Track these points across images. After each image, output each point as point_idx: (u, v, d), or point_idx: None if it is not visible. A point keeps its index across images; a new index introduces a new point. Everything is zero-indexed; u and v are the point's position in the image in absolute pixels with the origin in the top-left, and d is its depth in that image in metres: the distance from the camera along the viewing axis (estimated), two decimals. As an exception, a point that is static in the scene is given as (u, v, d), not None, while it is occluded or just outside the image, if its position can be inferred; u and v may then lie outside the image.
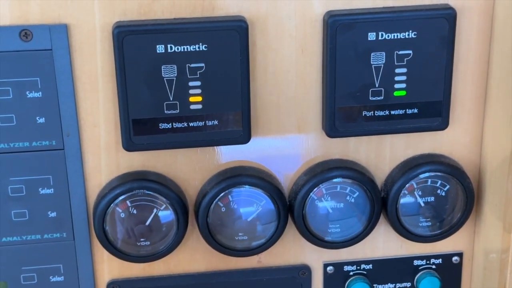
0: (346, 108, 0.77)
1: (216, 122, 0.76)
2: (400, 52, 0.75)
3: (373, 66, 0.75)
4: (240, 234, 0.81)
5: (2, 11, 0.71)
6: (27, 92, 0.73)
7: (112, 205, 0.77)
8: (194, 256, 0.83)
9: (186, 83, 0.74)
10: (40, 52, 0.72)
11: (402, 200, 0.81)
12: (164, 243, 0.80)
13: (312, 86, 0.78)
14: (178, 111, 0.75)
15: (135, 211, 0.78)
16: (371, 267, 0.86)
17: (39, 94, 0.73)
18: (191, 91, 0.74)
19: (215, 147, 0.79)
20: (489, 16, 0.77)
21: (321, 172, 0.80)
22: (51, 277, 0.81)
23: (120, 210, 0.78)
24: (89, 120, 0.76)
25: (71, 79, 0.74)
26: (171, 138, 0.76)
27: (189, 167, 0.80)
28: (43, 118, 0.74)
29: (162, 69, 0.73)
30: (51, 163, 0.76)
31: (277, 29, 0.75)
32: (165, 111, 0.74)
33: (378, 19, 0.73)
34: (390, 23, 0.74)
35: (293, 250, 0.85)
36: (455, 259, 0.87)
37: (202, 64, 0.73)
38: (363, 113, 0.77)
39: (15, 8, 0.71)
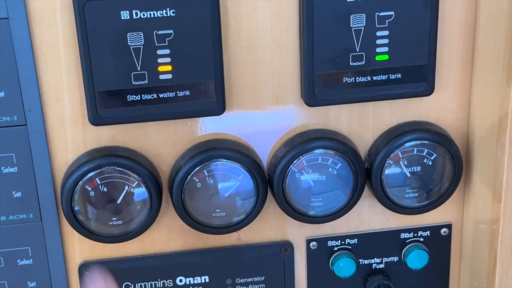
0: (326, 75, 0.73)
1: (187, 93, 0.72)
2: (382, 14, 0.71)
3: (353, 29, 0.72)
4: (217, 210, 0.78)
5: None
6: (-16, 65, 0.69)
7: (80, 183, 0.74)
8: (169, 234, 0.80)
9: (154, 52, 0.70)
10: (-5, 21, 0.68)
11: (387, 171, 0.78)
12: (137, 222, 0.76)
13: (289, 53, 0.74)
14: (146, 81, 0.71)
15: (105, 189, 0.75)
16: (356, 242, 0.84)
17: (-4, 67, 0.69)
18: (160, 60, 0.70)
19: (188, 119, 0.75)
20: (475, -27, 0.73)
21: (301, 143, 0.76)
22: (19, 260, 0.78)
23: (89, 188, 0.74)
24: (52, 94, 0.72)
25: (31, 50, 0.70)
26: (140, 110, 0.72)
27: (161, 141, 0.76)
28: (2, 92, 0.70)
29: (128, 37, 0.69)
30: (13, 140, 0.72)
31: (250, -8, 0.71)
32: (133, 82, 0.71)
33: (357, -21, 0.70)
34: (370, -18, 0.70)
35: (274, 226, 0.82)
36: (443, 231, 0.84)
37: (171, 31, 0.69)
38: (344, 80, 0.74)
39: (-34, -26, 0.67)
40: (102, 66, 0.69)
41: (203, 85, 0.72)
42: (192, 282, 0.82)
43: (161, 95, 0.72)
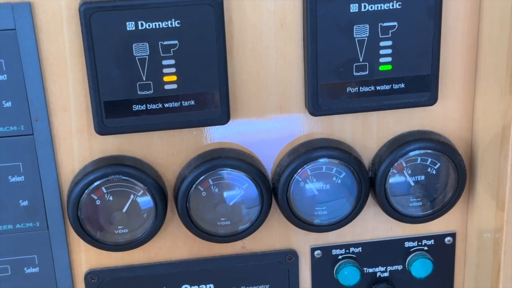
0: (330, 85, 0.74)
1: (192, 103, 0.72)
2: (385, 24, 0.72)
3: (356, 39, 0.72)
4: (222, 219, 0.78)
5: (-39, -10, 0.67)
6: (-9, 75, 0.70)
7: (86, 192, 0.74)
8: (175, 243, 0.81)
9: (159, 62, 0.70)
10: (2, 32, 0.68)
11: (391, 180, 0.78)
12: (143, 230, 0.77)
13: (293, 63, 0.75)
14: (152, 91, 0.71)
15: (111, 198, 0.75)
16: (360, 250, 0.84)
17: (4, 77, 0.70)
18: (165, 70, 0.71)
19: (193, 129, 0.76)
20: (478, -16, 0.74)
21: (305, 152, 0.77)
22: (25, 269, 0.78)
23: (95, 197, 0.75)
24: (58, 104, 0.73)
25: (38, 60, 0.70)
26: (146, 120, 0.72)
27: (167, 151, 0.76)
28: (10, 102, 0.71)
29: (134, 48, 0.69)
30: (21, 150, 0.73)
31: (255, 3, 0.72)
32: (138, 92, 0.71)
33: (360, -10, 0.70)
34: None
35: (278, 234, 0.82)
36: (448, 239, 0.84)
37: (176, 42, 0.70)
38: (348, 90, 0.74)
39: (-25, -14, 0.68)
40: (108, 76, 0.70)
41: (208, 95, 0.72)
42: (197, 290, 0.83)
43: (166, 105, 0.72)
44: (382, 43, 0.72)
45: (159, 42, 0.70)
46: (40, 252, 0.78)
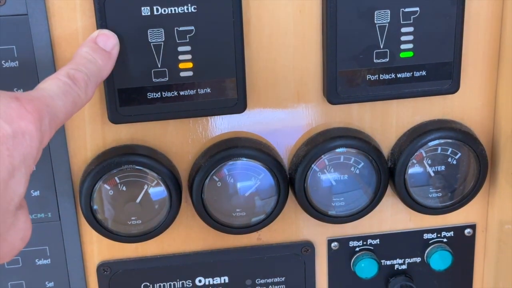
0: (349, 72, 0.72)
1: (208, 90, 0.71)
2: (407, 10, 0.70)
3: (377, 25, 0.70)
4: (237, 210, 0.76)
5: (-28, -26, 0.66)
6: (3, 62, 0.68)
7: (99, 182, 0.73)
8: (189, 234, 0.79)
9: (175, 49, 0.69)
10: (14, 17, 0.67)
11: (410, 170, 0.77)
12: (157, 221, 0.75)
13: (312, 50, 0.73)
14: (167, 79, 0.70)
15: (124, 188, 0.74)
16: (378, 242, 0.82)
17: (16, 64, 0.68)
18: (181, 57, 0.69)
19: (208, 117, 0.74)
20: (502, -32, 0.72)
21: (323, 141, 0.75)
22: (37, 260, 0.77)
23: (108, 187, 0.73)
24: (71, 91, 0.71)
25: (50, 46, 0.68)
26: (161, 108, 0.71)
27: (181, 140, 0.75)
28: (21, 89, 0.69)
29: (149, 34, 0.68)
30: (32, 138, 0.71)
31: (273, -12, 0.70)
32: (153, 79, 0.69)
33: (382, -26, 0.68)
34: (395, -23, 0.69)
35: (295, 226, 0.80)
36: (467, 231, 0.83)
37: (192, 27, 0.68)
38: (367, 77, 0.72)
39: (-14, -30, 0.66)
40: (122, 63, 0.68)
41: (224, 82, 0.71)
42: (211, 283, 0.81)
43: (181, 93, 0.70)
44: (403, 29, 0.71)
45: (175, 28, 0.68)
46: (52, 243, 0.76)
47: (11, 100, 0.51)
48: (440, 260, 0.82)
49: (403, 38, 0.71)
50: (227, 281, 0.81)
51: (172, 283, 0.81)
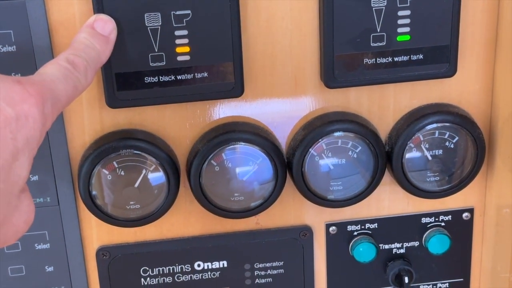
0: (346, 56, 0.72)
1: (206, 75, 0.71)
2: (403, -8, 0.70)
3: (373, 8, 0.70)
4: (236, 194, 0.77)
5: (-31, -41, 0.66)
6: (0, 46, 0.68)
7: (97, 166, 0.73)
8: (187, 219, 0.79)
9: (172, 33, 0.69)
10: (12, 1, 0.67)
11: (408, 154, 0.77)
12: (155, 206, 0.75)
13: (308, 34, 0.73)
14: (164, 63, 0.70)
15: (122, 173, 0.74)
16: (376, 226, 0.82)
17: (13, 48, 0.68)
18: (178, 41, 0.69)
19: (206, 101, 0.74)
20: (499, -49, 0.72)
21: (321, 126, 0.75)
22: (36, 245, 0.77)
23: (107, 172, 0.74)
24: (68, 76, 0.71)
25: (47, 31, 0.69)
26: (158, 92, 0.71)
27: (179, 124, 0.75)
28: (19, 74, 0.69)
29: (145, 18, 0.68)
30: (30, 123, 0.71)
31: (269, -28, 0.70)
32: (150, 64, 0.70)
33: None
34: (392, -40, 0.69)
35: (293, 210, 0.81)
36: (465, 215, 0.83)
37: (189, 11, 0.68)
38: (364, 61, 0.72)
39: (-18, -46, 0.66)
40: (119, 48, 0.68)
41: (222, 66, 0.71)
42: (210, 267, 0.81)
43: (178, 77, 0.70)
44: (400, 13, 0.71)
45: (172, 12, 0.68)
46: (51, 228, 0.77)
47: (14, 84, 0.51)
48: (438, 244, 0.82)
49: (400, 21, 0.71)
50: (225, 265, 0.82)
51: (171, 268, 0.81)
